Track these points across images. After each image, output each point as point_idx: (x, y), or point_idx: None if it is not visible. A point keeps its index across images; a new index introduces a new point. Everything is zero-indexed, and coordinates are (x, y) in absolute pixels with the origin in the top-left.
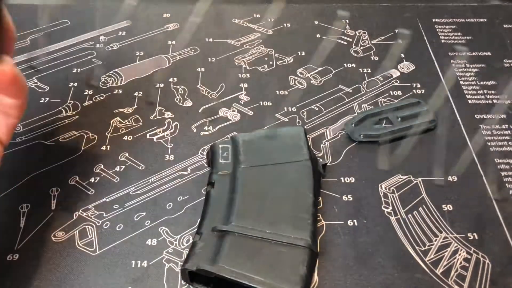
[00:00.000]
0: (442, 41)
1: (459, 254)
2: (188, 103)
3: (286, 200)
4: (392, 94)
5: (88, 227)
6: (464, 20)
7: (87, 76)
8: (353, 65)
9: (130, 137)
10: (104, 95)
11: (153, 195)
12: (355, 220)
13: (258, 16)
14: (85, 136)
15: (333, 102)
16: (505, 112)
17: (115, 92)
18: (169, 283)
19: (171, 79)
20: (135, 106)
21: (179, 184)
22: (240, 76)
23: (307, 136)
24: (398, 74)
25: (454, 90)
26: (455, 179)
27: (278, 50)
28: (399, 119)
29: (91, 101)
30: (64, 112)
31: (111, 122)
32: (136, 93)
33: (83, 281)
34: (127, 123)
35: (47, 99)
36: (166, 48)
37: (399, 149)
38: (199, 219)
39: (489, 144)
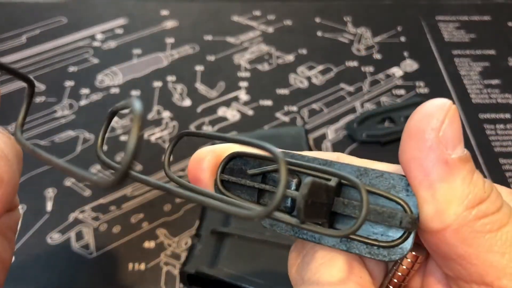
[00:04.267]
0: (446, 39)
1: None
2: (187, 102)
3: None
4: (394, 93)
5: (84, 229)
6: (467, 18)
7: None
8: (355, 63)
9: (127, 137)
10: (101, 94)
11: (151, 196)
12: None
13: (258, 13)
14: (82, 136)
15: (335, 101)
16: (509, 111)
17: (112, 91)
18: (167, 286)
19: (169, 78)
20: None
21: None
22: (239, 75)
23: (308, 136)
24: (401, 73)
25: (457, 89)
26: None
27: (278, 48)
28: (402, 118)
29: (88, 101)
30: (60, 111)
31: None
32: (133, 92)
33: (79, 284)
34: (124, 122)
35: (43, 98)
36: (164, 46)
37: None
38: (198, 221)
39: (493, 144)
